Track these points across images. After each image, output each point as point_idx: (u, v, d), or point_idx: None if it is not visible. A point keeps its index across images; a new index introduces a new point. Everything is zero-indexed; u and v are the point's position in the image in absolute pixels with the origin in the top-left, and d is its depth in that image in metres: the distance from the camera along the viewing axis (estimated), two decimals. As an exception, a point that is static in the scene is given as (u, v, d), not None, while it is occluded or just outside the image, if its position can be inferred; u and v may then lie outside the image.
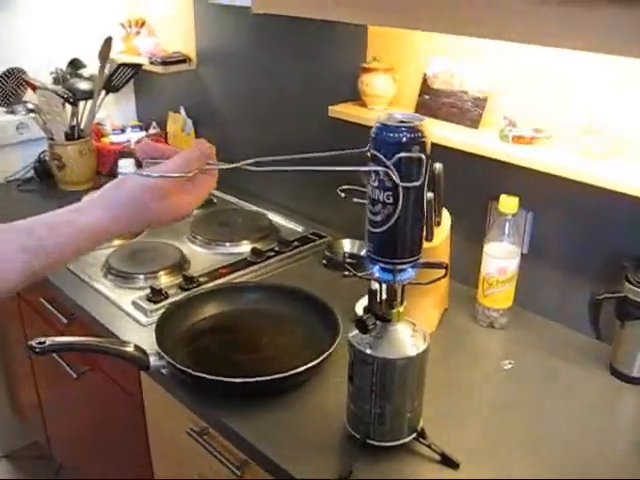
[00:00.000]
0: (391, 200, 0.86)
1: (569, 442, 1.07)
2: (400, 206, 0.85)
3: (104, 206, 0.75)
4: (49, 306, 1.66)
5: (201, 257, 1.69)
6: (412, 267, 0.95)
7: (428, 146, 0.85)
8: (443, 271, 0.95)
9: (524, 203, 1.31)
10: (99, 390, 1.64)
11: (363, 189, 1.62)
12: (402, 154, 0.82)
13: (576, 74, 1.23)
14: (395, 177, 0.83)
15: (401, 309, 0.96)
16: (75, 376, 1.62)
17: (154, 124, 2.28)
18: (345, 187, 1.64)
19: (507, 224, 1.31)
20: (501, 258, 1.32)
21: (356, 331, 0.99)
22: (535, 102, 1.30)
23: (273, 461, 1.04)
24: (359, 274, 0.97)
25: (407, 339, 0.96)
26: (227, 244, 1.73)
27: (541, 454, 1.04)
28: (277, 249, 1.68)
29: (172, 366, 1.16)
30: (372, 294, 0.95)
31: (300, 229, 1.82)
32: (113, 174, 2.17)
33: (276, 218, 1.89)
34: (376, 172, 0.86)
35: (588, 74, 1.22)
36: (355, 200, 1.61)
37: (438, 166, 1.23)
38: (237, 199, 2.05)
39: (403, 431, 1.01)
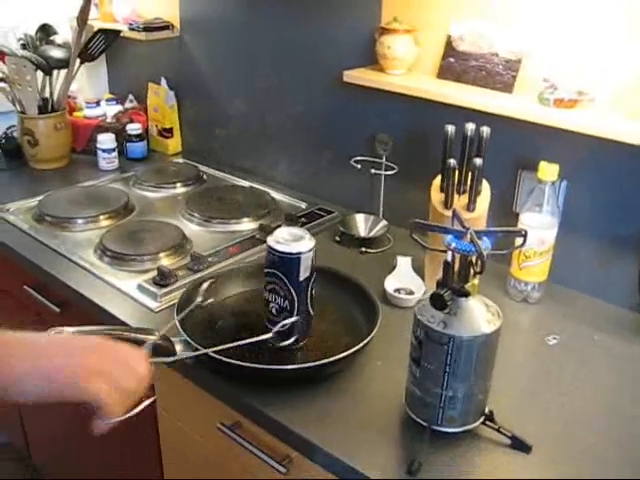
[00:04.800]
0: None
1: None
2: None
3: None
4: (34, 293, 1.51)
5: (201, 236, 1.56)
6: (486, 235, 0.87)
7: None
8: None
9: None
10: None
11: (378, 160, 1.54)
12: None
13: (614, 29, 1.17)
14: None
15: (476, 281, 0.88)
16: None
17: (131, 97, 2.12)
18: (360, 158, 1.56)
19: (545, 193, 1.24)
20: (540, 228, 1.25)
21: (422, 307, 0.90)
22: (572, 62, 1.23)
23: (327, 452, 0.94)
24: (430, 247, 0.88)
25: (482, 315, 0.88)
26: (229, 221, 1.61)
27: (614, 433, 0.98)
28: (285, 226, 1.56)
29: (204, 355, 1.04)
30: (447, 267, 0.86)
31: (303, 205, 1.72)
32: (89, 150, 2.01)
33: (274, 194, 1.78)
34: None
35: (630, 28, 1.15)
36: (373, 171, 1.55)
37: (486, 129, 1.15)
38: (226, 174, 1.93)
39: (472, 415, 0.94)
